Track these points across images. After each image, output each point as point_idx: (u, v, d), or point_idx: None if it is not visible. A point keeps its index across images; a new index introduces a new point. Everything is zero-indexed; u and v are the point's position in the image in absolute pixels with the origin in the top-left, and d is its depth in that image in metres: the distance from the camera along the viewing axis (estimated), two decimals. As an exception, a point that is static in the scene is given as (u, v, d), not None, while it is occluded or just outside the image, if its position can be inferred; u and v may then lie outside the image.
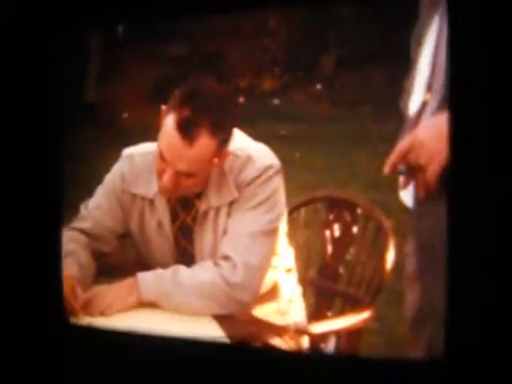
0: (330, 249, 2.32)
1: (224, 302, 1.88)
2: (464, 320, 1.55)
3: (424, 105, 1.69)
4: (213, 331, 1.82)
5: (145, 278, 1.91)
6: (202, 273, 1.90)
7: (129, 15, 2.05)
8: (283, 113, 4.59)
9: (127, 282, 1.92)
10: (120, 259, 2.15)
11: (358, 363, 1.85)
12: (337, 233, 2.31)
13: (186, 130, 1.81)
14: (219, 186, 1.95)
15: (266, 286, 1.98)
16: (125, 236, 2.11)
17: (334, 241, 2.31)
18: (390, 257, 2.16)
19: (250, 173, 1.94)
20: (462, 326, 1.55)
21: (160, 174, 1.88)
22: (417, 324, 1.83)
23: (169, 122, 1.84)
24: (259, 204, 1.93)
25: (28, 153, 2.03)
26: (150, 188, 2.01)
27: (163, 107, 1.89)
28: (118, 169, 2.09)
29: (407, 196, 1.75)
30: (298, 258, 2.18)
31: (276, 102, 4.74)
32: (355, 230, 2.29)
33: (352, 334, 2.08)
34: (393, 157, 1.64)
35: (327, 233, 2.32)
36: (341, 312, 2.25)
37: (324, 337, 2.05)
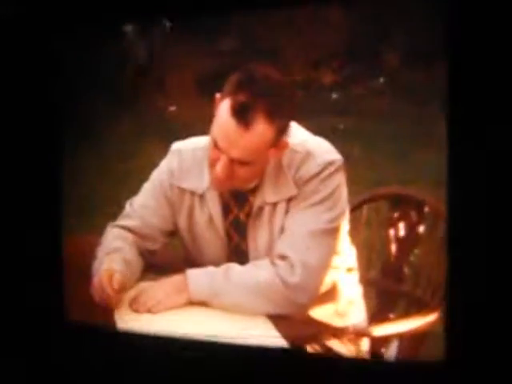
0: (393, 248, 2.28)
1: (280, 302, 1.85)
2: (464, 320, 1.58)
3: None
4: (267, 331, 1.80)
5: (195, 276, 1.89)
6: (258, 272, 1.87)
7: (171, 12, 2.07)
8: (342, 107, 4.55)
9: (176, 280, 1.90)
10: (168, 256, 2.14)
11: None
12: (402, 232, 2.28)
13: (242, 114, 1.77)
14: (276, 182, 1.92)
15: (324, 286, 1.95)
16: (173, 234, 2.09)
17: (399, 240, 2.28)
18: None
19: (310, 169, 1.90)
20: (462, 326, 1.58)
21: (213, 164, 1.85)
22: None
23: (223, 108, 1.80)
24: (320, 202, 1.89)
25: (27, 154, 2.08)
26: (200, 183, 2.00)
27: (217, 95, 1.86)
28: (165, 164, 2.07)
29: None
30: (359, 257, 2.14)
31: (335, 95, 4.71)
32: (422, 229, 2.25)
33: (416, 337, 2.02)
34: None
35: (391, 232, 2.29)
36: (405, 314, 2.20)
37: (385, 340, 2.00)
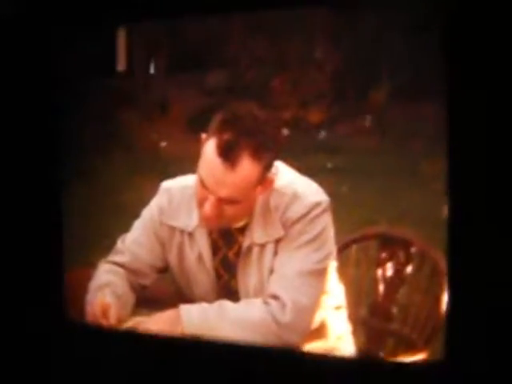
0: (381, 288, 2.33)
1: (273, 340, 1.89)
2: (464, 320, 1.57)
3: None
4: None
5: (188, 311, 1.94)
6: (251, 310, 1.92)
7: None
8: (330, 146, 4.58)
9: (169, 314, 1.95)
10: (160, 291, 2.18)
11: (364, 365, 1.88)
12: (389, 272, 2.32)
13: (228, 153, 1.83)
14: (264, 223, 1.97)
15: (314, 324, 1.99)
16: (164, 270, 2.14)
17: (386, 280, 2.33)
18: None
19: (297, 210, 1.94)
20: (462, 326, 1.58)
21: (201, 203, 1.90)
22: None
23: (209, 147, 1.86)
24: (307, 243, 1.94)
25: (27, 157, 2.06)
26: (189, 221, 2.05)
27: (203, 135, 1.91)
28: (155, 202, 2.13)
29: None
30: (348, 296, 2.19)
31: (323, 134, 4.74)
32: (409, 269, 2.30)
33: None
34: None
35: (379, 272, 2.34)
36: (393, 353, 2.25)
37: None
